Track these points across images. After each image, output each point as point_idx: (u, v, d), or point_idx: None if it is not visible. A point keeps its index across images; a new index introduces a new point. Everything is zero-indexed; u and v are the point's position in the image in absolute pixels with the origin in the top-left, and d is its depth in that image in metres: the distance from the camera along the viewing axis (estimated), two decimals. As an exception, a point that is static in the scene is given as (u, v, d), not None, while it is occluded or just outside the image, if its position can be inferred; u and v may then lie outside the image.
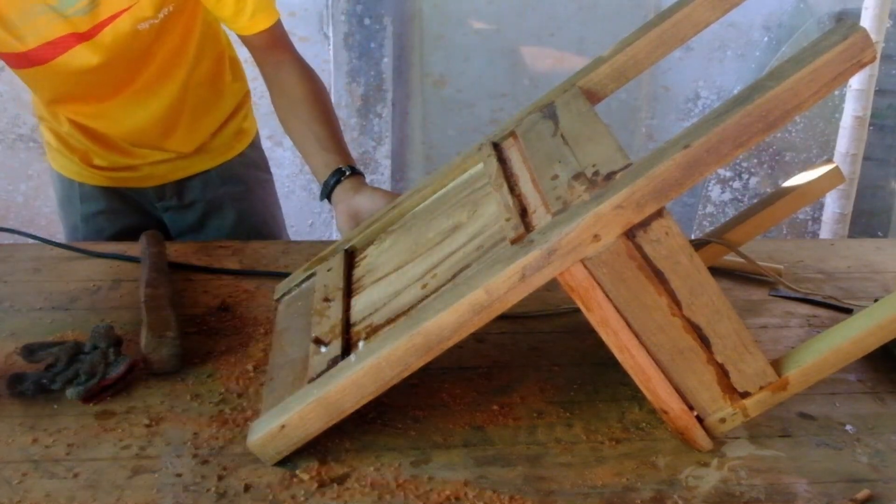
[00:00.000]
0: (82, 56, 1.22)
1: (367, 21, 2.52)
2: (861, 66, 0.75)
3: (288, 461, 0.88)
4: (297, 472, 0.86)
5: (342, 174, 1.20)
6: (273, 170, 1.63)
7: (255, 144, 1.55)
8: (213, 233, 1.50)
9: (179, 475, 0.85)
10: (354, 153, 2.64)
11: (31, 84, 1.32)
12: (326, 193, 1.22)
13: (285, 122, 1.30)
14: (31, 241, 1.31)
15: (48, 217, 2.59)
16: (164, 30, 1.25)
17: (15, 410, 0.94)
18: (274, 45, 1.30)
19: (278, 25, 1.29)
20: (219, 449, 0.89)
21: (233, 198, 1.51)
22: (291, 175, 2.68)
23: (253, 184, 1.54)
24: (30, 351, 1.00)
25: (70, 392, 0.94)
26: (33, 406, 0.95)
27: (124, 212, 1.48)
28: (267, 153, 1.62)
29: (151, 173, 1.45)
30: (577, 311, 0.85)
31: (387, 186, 2.67)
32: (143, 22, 1.21)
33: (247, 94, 1.51)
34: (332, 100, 2.59)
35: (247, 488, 0.84)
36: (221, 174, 1.49)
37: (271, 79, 1.31)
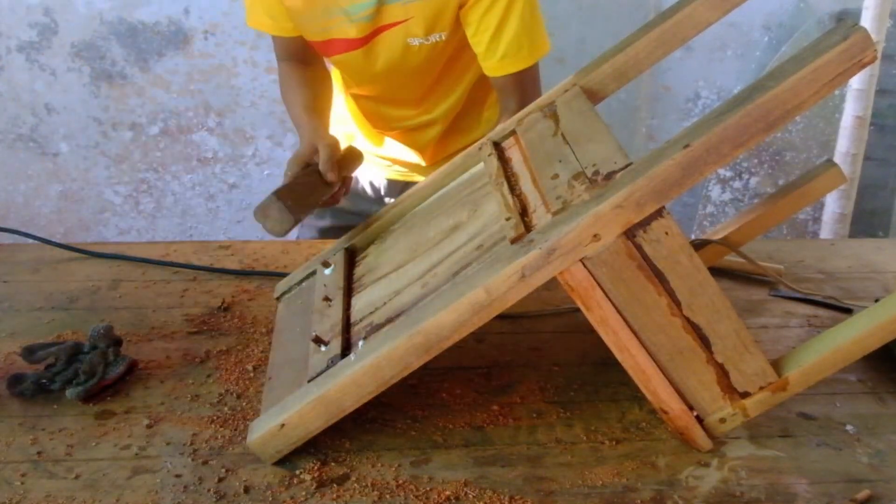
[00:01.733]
0: (359, 59, 1.29)
1: (367, 21, 2.52)
2: (862, 66, 0.75)
3: (288, 461, 0.88)
4: (297, 472, 0.86)
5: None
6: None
7: None
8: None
9: (179, 475, 0.85)
10: (355, 153, 2.64)
11: (339, 69, 1.41)
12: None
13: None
14: (31, 241, 1.31)
15: (48, 217, 2.59)
16: (436, 51, 1.29)
17: (15, 410, 0.94)
18: (512, 91, 1.30)
19: (525, 73, 1.29)
20: (218, 449, 0.89)
21: None
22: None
23: None
24: (30, 351, 1.00)
25: (70, 392, 0.94)
26: (33, 406, 0.95)
27: (359, 197, 1.52)
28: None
29: (403, 171, 1.50)
30: (577, 310, 0.85)
31: (387, 186, 2.66)
32: (412, 38, 1.25)
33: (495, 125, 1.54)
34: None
35: (246, 489, 0.84)
36: None
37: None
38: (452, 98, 1.39)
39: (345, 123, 1.51)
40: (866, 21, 2.08)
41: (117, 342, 1.01)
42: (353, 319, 0.96)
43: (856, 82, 2.14)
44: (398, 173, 1.52)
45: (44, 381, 0.96)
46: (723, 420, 0.88)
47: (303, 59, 1.36)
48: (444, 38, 1.26)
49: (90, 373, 0.96)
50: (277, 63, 1.40)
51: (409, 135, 1.45)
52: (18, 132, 2.51)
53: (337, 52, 1.30)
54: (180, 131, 2.50)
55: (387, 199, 1.54)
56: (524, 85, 1.31)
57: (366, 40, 1.26)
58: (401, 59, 1.28)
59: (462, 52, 1.32)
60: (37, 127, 2.50)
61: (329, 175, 1.14)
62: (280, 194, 1.05)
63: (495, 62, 1.26)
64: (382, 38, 1.26)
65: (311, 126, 1.24)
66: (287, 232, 1.07)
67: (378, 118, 1.45)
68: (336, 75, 1.46)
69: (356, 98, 1.45)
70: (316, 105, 1.31)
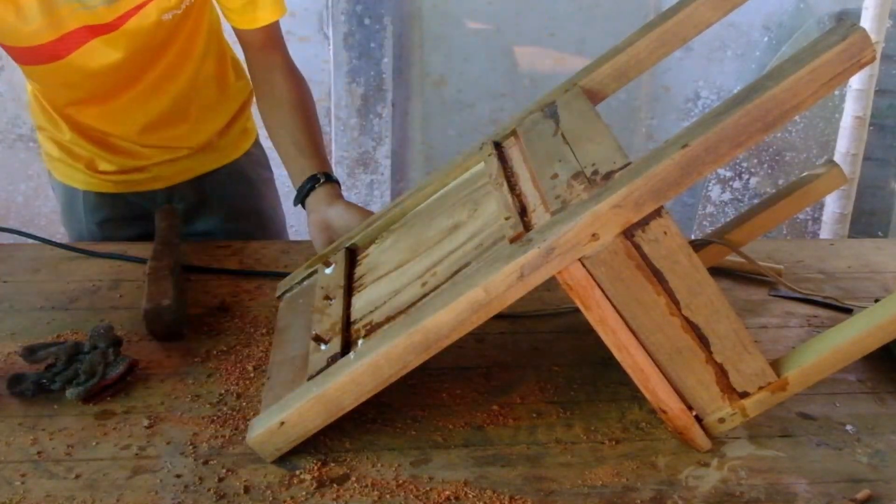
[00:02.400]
0: (99, 51, 1.19)
1: (367, 21, 2.52)
2: (860, 66, 0.75)
3: (288, 461, 0.88)
4: (297, 472, 0.86)
5: (316, 181, 1.21)
6: (274, 170, 1.63)
7: (258, 143, 1.56)
8: (221, 233, 1.49)
9: (179, 475, 0.85)
10: (354, 153, 2.64)
11: (42, 82, 1.31)
12: (300, 199, 1.23)
13: (268, 125, 1.31)
14: (31, 241, 1.31)
15: (48, 217, 2.59)
16: (181, 22, 1.24)
17: (15, 410, 0.94)
18: (270, 46, 1.30)
19: (278, 25, 1.29)
20: (218, 449, 0.89)
21: (241, 196, 1.50)
22: (291, 175, 2.68)
23: (258, 182, 1.54)
24: (30, 351, 1.00)
25: (70, 392, 0.94)
26: (33, 406, 0.95)
27: (131, 219, 1.47)
28: (267, 153, 1.62)
29: (160, 174, 1.43)
30: (577, 310, 0.85)
31: (387, 186, 2.66)
32: (167, 12, 1.19)
33: (250, 94, 1.50)
34: (332, 100, 2.59)
35: (247, 488, 0.84)
36: (229, 173, 1.49)
37: (260, 80, 1.31)
38: (187, 72, 1.33)
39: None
40: (866, 21, 2.08)
41: (117, 342, 1.01)
42: (353, 318, 0.96)
43: (855, 82, 2.14)
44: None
45: (44, 381, 0.96)
46: (722, 420, 0.88)
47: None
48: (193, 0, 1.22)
49: (90, 373, 0.96)
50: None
51: (155, 130, 1.36)
52: (18, 132, 2.51)
53: (72, 50, 1.17)
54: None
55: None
56: (280, 38, 1.30)
57: (112, 27, 1.16)
58: (149, 40, 1.21)
59: (192, 26, 1.28)
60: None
61: None
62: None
63: (254, 14, 1.23)
64: (134, 22, 1.17)
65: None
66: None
67: (115, 122, 1.34)
68: (37, 112, 1.36)
69: (80, 131, 1.34)
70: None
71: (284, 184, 1.62)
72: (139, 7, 1.17)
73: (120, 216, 1.46)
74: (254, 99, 1.50)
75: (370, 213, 1.14)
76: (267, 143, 1.64)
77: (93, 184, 1.43)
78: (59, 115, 1.36)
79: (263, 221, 1.54)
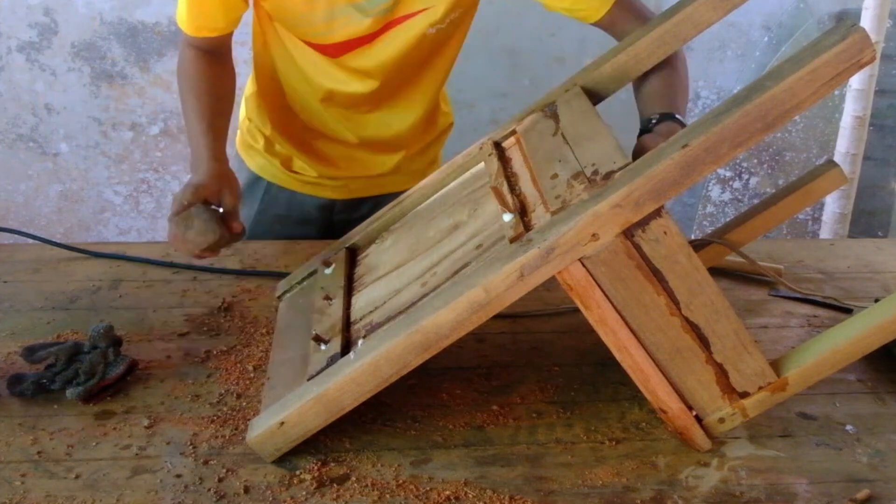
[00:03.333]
0: (356, 58, 1.21)
1: (367, 21, 2.52)
2: (860, 66, 0.75)
3: (288, 461, 0.88)
4: (297, 472, 0.86)
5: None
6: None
7: None
8: None
9: (179, 475, 0.85)
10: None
11: (310, 72, 1.29)
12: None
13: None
14: (31, 241, 1.31)
15: (48, 217, 2.59)
16: (446, 34, 1.22)
17: (15, 410, 0.94)
18: (627, 12, 1.19)
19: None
20: (218, 449, 0.89)
21: None
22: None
23: None
24: (30, 351, 1.00)
25: (70, 392, 0.94)
26: (33, 406, 0.95)
27: (298, 219, 1.46)
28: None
29: (347, 185, 1.43)
30: (577, 310, 0.85)
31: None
32: (432, 27, 1.18)
33: (451, 124, 1.49)
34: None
35: (247, 488, 0.84)
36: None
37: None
38: (430, 93, 1.33)
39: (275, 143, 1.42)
40: (866, 21, 2.08)
41: (117, 342, 1.01)
42: (353, 318, 0.96)
43: (855, 82, 2.14)
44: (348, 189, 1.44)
45: (44, 381, 0.96)
46: (722, 420, 0.88)
47: (218, 53, 1.28)
48: (458, 14, 1.19)
49: (90, 373, 0.96)
50: (183, 48, 1.27)
51: (377, 147, 1.37)
52: (18, 132, 2.51)
53: (339, 54, 1.23)
54: (180, 131, 2.50)
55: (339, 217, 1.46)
56: (632, 5, 1.19)
57: (373, 36, 1.19)
58: (410, 51, 1.21)
59: (452, 36, 1.25)
60: (37, 127, 2.50)
61: (236, 226, 1.10)
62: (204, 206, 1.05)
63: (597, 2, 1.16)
64: (394, 32, 1.19)
65: (214, 153, 1.16)
66: (211, 246, 1.05)
67: (350, 133, 1.36)
68: (252, 99, 1.38)
69: (287, 132, 1.36)
70: (219, 122, 1.22)
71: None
72: (408, 16, 1.17)
73: (288, 214, 1.46)
74: (450, 131, 1.51)
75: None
76: None
77: (282, 179, 1.44)
78: (269, 110, 1.38)
79: None
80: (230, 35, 1.27)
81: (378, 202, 1.42)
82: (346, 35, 1.19)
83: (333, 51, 1.23)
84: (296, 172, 1.43)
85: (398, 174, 1.43)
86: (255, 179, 1.46)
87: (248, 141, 1.46)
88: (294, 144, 1.40)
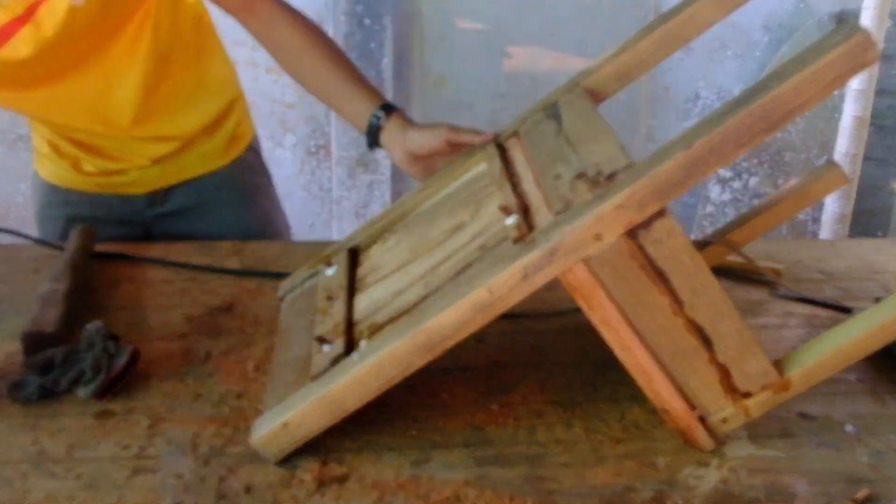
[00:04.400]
0: (26, 40, 1.11)
1: (367, 21, 2.52)
2: (864, 66, 0.75)
3: (288, 461, 0.88)
4: (298, 472, 0.86)
5: (377, 119, 1.13)
6: (273, 170, 1.62)
7: (253, 148, 1.50)
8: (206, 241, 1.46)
9: (180, 475, 0.85)
10: (354, 153, 2.64)
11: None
12: (372, 143, 1.16)
13: (300, 81, 1.22)
14: (30, 241, 1.31)
15: (48, 217, 2.59)
16: (110, 4, 1.14)
17: (15, 410, 0.94)
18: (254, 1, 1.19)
19: None
20: (219, 449, 0.89)
21: (227, 204, 1.45)
22: (292, 175, 2.68)
23: (249, 189, 1.49)
24: (33, 365, 0.99)
25: (83, 391, 0.94)
26: (33, 406, 0.95)
27: (109, 222, 1.41)
28: (267, 153, 1.61)
29: (141, 177, 1.39)
30: (577, 310, 0.85)
31: (387, 186, 2.66)
32: None
33: (238, 97, 1.45)
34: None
35: (247, 488, 0.84)
36: (215, 180, 1.43)
37: (265, 39, 1.21)
38: (140, 58, 1.23)
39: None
40: (866, 21, 2.08)
41: (113, 337, 1.01)
42: (355, 319, 0.96)
43: (855, 83, 2.14)
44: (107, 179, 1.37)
45: (48, 384, 0.95)
46: (725, 420, 0.88)
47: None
48: None
49: (97, 368, 0.95)
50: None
51: (121, 116, 1.27)
52: (18, 132, 2.51)
53: (2, 43, 1.10)
54: (180, 131, 2.49)
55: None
56: None
57: (25, 17, 1.09)
58: (68, 26, 1.11)
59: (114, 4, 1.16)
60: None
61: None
62: None
63: None
64: (44, 10, 1.09)
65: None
66: None
67: (77, 112, 1.26)
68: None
69: (54, 130, 1.29)
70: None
71: (283, 185, 1.60)
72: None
73: (98, 217, 1.39)
74: (243, 103, 1.46)
75: (445, 125, 1.09)
76: (267, 144, 1.60)
77: (76, 182, 1.39)
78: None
79: (254, 229, 1.47)
80: None
81: (188, 188, 1.40)
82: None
83: None
84: (87, 174, 1.38)
85: (197, 156, 1.39)
86: (53, 189, 1.41)
87: (38, 148, 1.41)
88: (72, 144, 1.35)
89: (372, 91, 1.19)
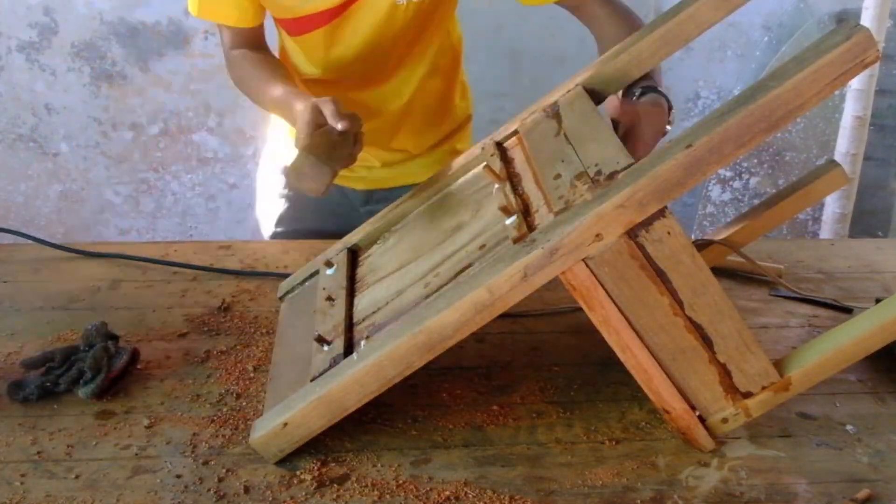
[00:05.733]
0: (329, 34, 1.22)
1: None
2: (864, 66, 0.75)
3: (288, 461, 0.88)
4: (298, 472, 0.86)
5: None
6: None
7: None
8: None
9: (179, 475, 0.85)
10: (354, 153, 2.64)
11: (305, 51, 1.31)
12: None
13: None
14: (30, 241, 1.31)
15: (48, 217, 2.59)
16: (422, 8, 1.22)
17: (15, 410, 0.94)
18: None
19: None
20: (218, 449, 0.89)
21: None
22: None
23: None
24: (29, 365, 0.99)
25: (83, 391, 0.94)
26: (33, 406, 0.95)
27: (326, 212, 1.47)
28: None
29: (366, 177, 1.44)
30: (577, 310, 0.85)
31: (387, 186, 2.66)
32: None
33: (469, 117, 1.50)
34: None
35: (246, 489, 0.84)
36: None
37: (593, 28, 1.29)
38: (421, 69, 1.32)
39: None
40: (866, 21, 2.08)
41: (113, 338, 1.01)
42: (355, 319, 0.96)
43: (855, 82, 2.14)
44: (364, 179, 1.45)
45: (48, 384, 0.95)
46: (725, 420, 0.88)
47: (257, 48, 1.30)
48: None
49: (96, 368, 0.95)
50: (227, 53, 1.31)
51: (374, 125, 1.33)
52: (18, 132, 2.51)
53: (306, 30, 1.22)
54: (180, 131, 2.50)
55: (364, 209, 1.46)
56: None
57: (342, 9, 1.19)
58: (384, 24, 1.21)
59: (436, 8, 1.26)
60: (37, 127, 2.50)
61: (342, 123, 1.04)
62: (308, 150, 1.00)
63: None
64: (362, 5, 1.19)
65: (298, 92, 1.16)
66: (326, 188, 1.00)
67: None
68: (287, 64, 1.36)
69: (308, 86, 1.35)
70: (291, 81, 1.24)
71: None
72: None
73: (318, 206, 1.43)
74: (471, 123, 1.51)
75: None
76: None
77: None
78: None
79: None
80: (254, 34, 1.29)
81: (400, 193, 1.44)
82: (310, 10, 1.20)
83: (294, 27, 1.24)
84: None
85: (416, 165, 1.44)
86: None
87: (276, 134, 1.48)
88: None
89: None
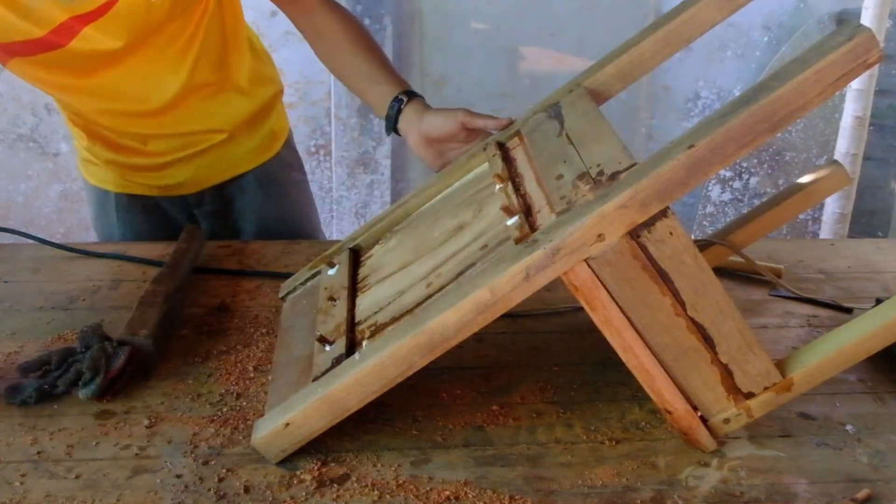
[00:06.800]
0: (95, 38, 1.15)
1: (367, 21, 2.52)
2: (867, 66, 0.75)
3: (288, 461, 0.87)
4: (298, 472, 0.86)
5: (400, 103, 1.17)
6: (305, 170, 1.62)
7: (289, 144, 1.53)
8: (250, 237, 1.48)
9: (179, 475, 0.85)
10: (354, 153, 2.64)
11: (45, 80, 1.25)
12: (391, 126, 1.19)
13: (332, 68, 1.29)
14: (30, 241, 1.30)
15: (48, 217, 2.59)
16: (177, 3, 1.19)
17: (15, 411, 0.94)
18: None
19: None
20: (219, 449, 0.89)
21: (270, 200, 1.48)
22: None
23: (288, 185, 1.51)
24: (25, 371, 0.98)
25: (83, 392, 0.94)
26: (33, 406, 0.95)
27: (162, 222, 1.46)
28: (298, 152, 1.60)
29: (185, 179, 1.41)
30: (578, 310, 0.85)
31: (387, 186, 2.66)
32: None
33: (277, 93, 1.48)
34: (333, 100, 2.57)
35: (247, 488, 0.84)
36: (257, 177, 1.46)
37: (306, 28, 1.29)
38: (191, 51, 1.27)
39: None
40: (866, 21, 2.08)
41: (109, 339, 1.00)
42: (357, 319, 0.96)
43: (855, 82, 2.14)
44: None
45: (45, 386, 0.95)
46: (727, 420, 0.88)
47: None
48: None
49: (95, 369, 0.95)
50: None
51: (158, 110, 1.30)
52: (18, 132, 2.51)
53: (70, 39, 1.14)
54: (180, 131, 2.49)
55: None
56: None
57: (97, 14, 1.12)
58: (152, 23, 1.17)
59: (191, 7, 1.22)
60: (37, 127, 2.50)
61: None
62: None
63: None
64: (122, 6, 1.13)
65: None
66: None
67: (117, 105, 1.29)
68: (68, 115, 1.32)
69: (97, 137, 1.32)
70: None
71: (315, 184, 1.61)
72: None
73: (151, 220, 1.44)
74: (280, 99, 1.49)
75: (462, 110, 1.12)
76: (298, 144, 1.60)
77: (125, 186, 1.42)
78: (73, 120, 1.35)
79: (295, 227, 1.51)
80: None
81: (229, 187, 1.44)
82: (53, 23, 1.12)
83: (59, 39, 1.15)
84: (132, 174, 1.40)
85: (237, 153, 1.41)
86: (103, 195, 1.44)
87: (81, 155, 1.43)
88: (106, 148, 1.36)
89: (398, 79, 1.23)
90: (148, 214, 1.45)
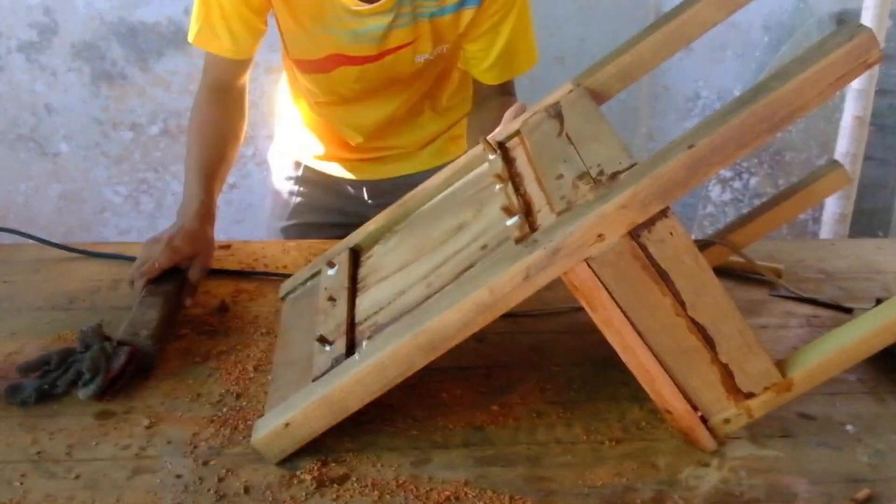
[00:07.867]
0: (363, 73, 1.31)
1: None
2: (867, 66, 0.75)
3: (288, 461, 0.88)
4: (298, 472, 0.86)
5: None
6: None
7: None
8: None
9: (179, 475, 0.85)
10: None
11: (313, 85, 1.38)
12: None
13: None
14: (30, 241, 1.30)
15: (48, 217, 2.59)
16: (439, 60, 1.35)
17: (15, 411, 0.94)
18: (496, 93, 1.38)
19: (511, 81, 1.39)
20: (219, 449, 0.89)
21: None
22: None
23: None
24: (26, 370, 0.98)
25: (83, 392, 0.94)
26: (33, 407, 0.95)
27: (335, 209, 1.54)
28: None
29: (370, 169, 1.50)
30: (578, 310, 0.85)
31: (387, 186, 2.66)
32: (420, 55, 1.30)
33: (460, 124, 1.55)
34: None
35: (247, 489, 0.84)
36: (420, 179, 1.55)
37: (476, 105, 1.45)
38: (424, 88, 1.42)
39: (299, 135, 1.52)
40: (866, 21, 2.08)
41: (108, 340, 1.00)
42: (357, 319, 0.96)
43: (855, 82, 2.14)
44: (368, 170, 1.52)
45: (45, 387, 0.95)
46: (727, 420, 0.88)
47: (230, 84, 1.35)
48: (446, 49, 1.31)
49: (95, 369, 0.95)
50: (202, 87, 1.36)
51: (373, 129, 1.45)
52: (18, 132, 2.51)
53: (335, 67, 1.31)
54: (180, 131, 2.49)
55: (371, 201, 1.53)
56: (510, 88, 1.40)
57: (376, 58, 1.28)
58: (406, 73, 1.33)
59: (445, 62, 1.37)
60: (37, 127, 2.50)
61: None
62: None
63: (496, 71, 1.34)
64: (391, 59, 1.29)
65: (203, 200, 1.23)
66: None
67: (347, 119, 1.44)
68: (296, 84, 1.44)
69: (321, 105, 1.43)
70: (218, 169, 1.29)
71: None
72: (398, 48, 1.28)
73: (326, 200, 1.54)
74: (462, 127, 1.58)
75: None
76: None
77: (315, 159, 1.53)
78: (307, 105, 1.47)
79: None
80: (241, 66, 1.34)
81: (402, 184, 1.50)
82: (336, 51, 1.28)
83: (321, 65, 1.32)
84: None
85: (421, 156, 1.50)
86: (293, 165, 1.54)
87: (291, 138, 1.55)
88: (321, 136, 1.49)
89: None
90: (325, 192, 1.54)
